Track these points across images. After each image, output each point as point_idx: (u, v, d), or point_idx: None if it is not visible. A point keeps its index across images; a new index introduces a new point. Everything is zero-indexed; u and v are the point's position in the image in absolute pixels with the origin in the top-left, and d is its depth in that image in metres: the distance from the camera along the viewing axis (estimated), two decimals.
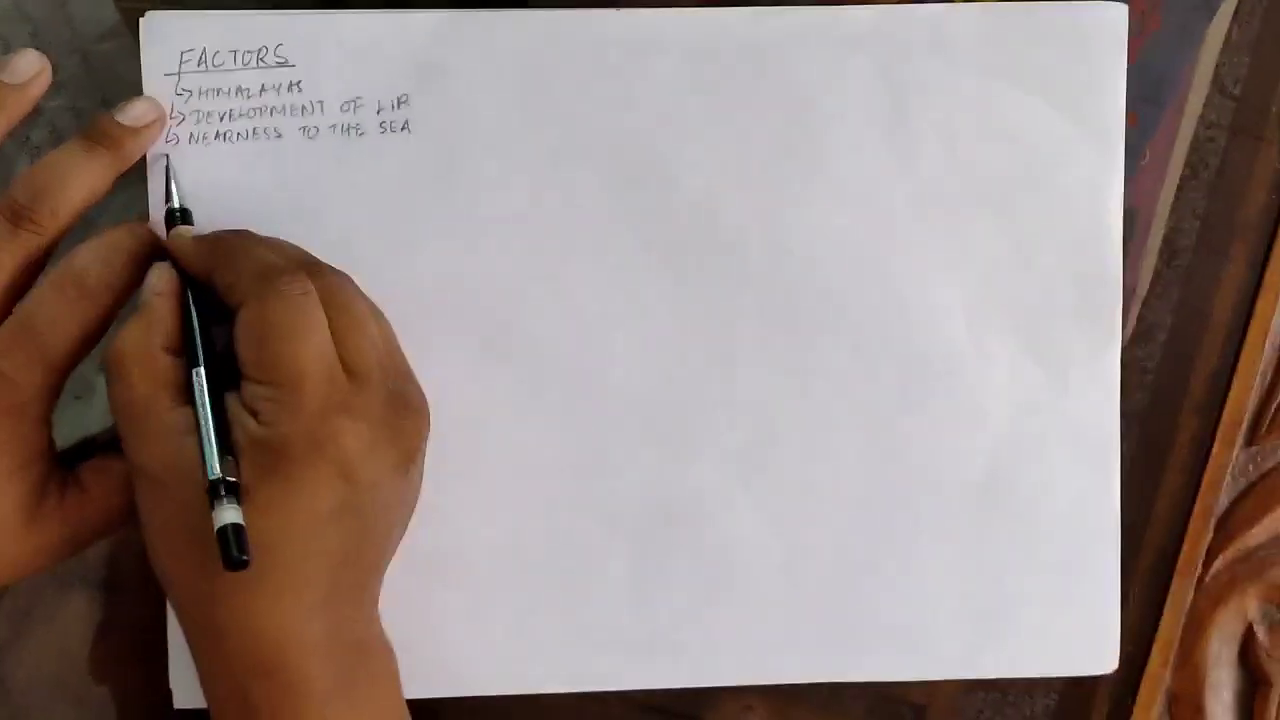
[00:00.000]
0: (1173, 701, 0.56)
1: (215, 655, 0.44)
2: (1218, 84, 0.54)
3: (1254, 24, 0.54)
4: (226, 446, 0.42)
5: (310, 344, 0.43)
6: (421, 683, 0.48)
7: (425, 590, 0.50)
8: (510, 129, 0.50)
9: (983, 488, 0.52)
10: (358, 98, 0.49)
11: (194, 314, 0.45)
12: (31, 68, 0.47)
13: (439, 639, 0.50)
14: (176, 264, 0.46)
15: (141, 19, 0.48)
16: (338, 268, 0.46)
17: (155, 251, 0.47)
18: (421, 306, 0.49)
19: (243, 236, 0.46)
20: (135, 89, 0.48)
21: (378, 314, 0.47)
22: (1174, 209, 0.54)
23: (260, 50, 0.49)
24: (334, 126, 0.49)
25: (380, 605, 0.47)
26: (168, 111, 0.48)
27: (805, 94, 0.50)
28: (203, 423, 0.43)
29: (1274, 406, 0.55)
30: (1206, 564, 0.55)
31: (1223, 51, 0.54)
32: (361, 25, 0.49)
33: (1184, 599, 0.55)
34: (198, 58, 0.48)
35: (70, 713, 0.54)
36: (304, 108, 0.49)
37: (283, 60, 0.49)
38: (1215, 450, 0.55)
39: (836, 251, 0.51)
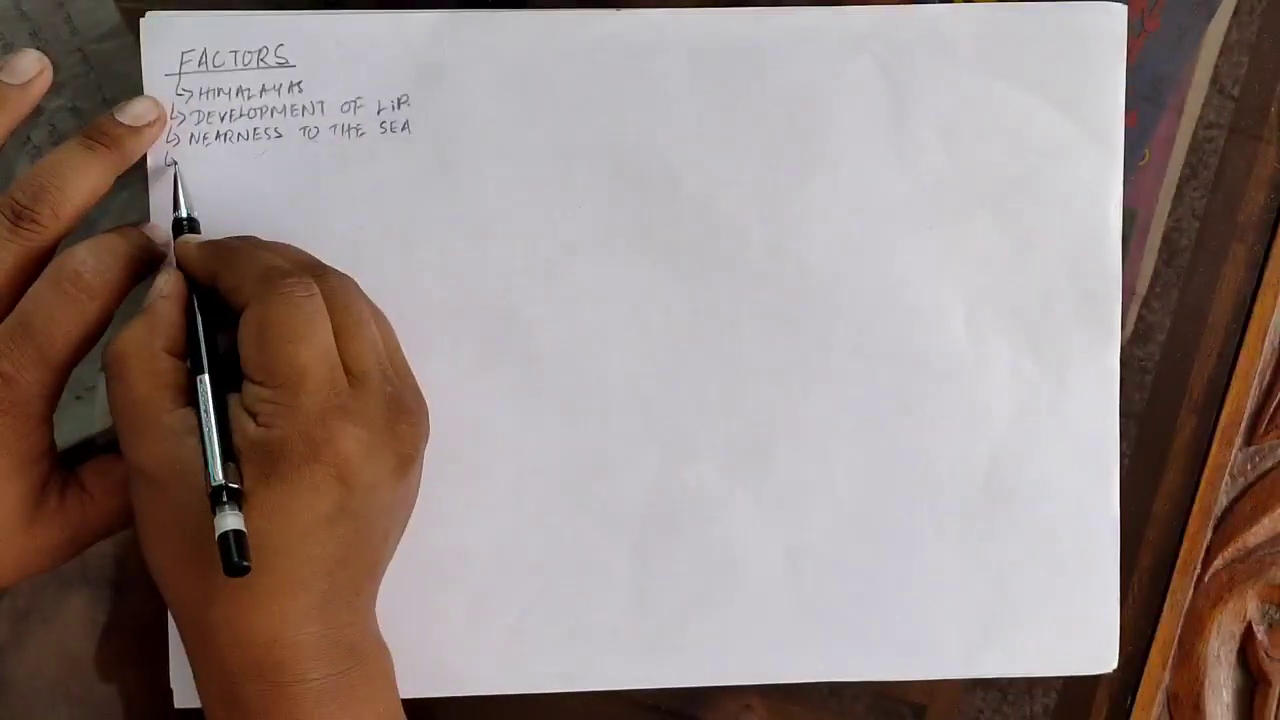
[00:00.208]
0: (1172, 701, 0.56)
1: (209, 655, 0.44)
2: (1217, 84, 0.54)
3: (1253, 24, 0.54)
4: (228, 450, 0.42)
5: (311, 346, 0.43)
6: (421, 683, 0.48)
7: (425, 590, 0.50)
8: (510, 129, 0.50)
9: (982, 487, 0.52)
10: (358, 98, 0.49)
11: (199, 320, 0.45)
12: (32, 68, 0.47)
13: (439, 639, 0.50)
14: (183, 271, 0.46)
15: (142, 19, 0.48)
16: (340, 269, 0.46)
17: (151, 252, 0.47)
18: (421, 306, 0.49)
19: (248, 241, 0.47)
20: (135, 89, 0.48)
21: (380, 316, 0.47)
22: (1173, 209, 0.54)
23: (260, 50, 0.49)
24: (334, 126, 0.49)
25: (380, 605, 0.47)
26: (168, 111, 0.48)
27: (805, 94, 0.50)
28: (206, 428, 0.43)
29: (1273, 406, 0.55)
30: (1205, 564, 0.55)
31: (1222, 52, 0.54)
32: (361, 25, 0.49)
33: (1183, 599, 0.55)
34: (198, 58, 0.48)
35: (70, 713, 0.54)
36: (304, 108, 0.49)
37: (283, 60, 0.49)
38: (1214, 450, 0.55)
39: (836, 251, 0.51)
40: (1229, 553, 0.55)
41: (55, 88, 0.48)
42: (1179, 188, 0.54)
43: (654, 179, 0.50)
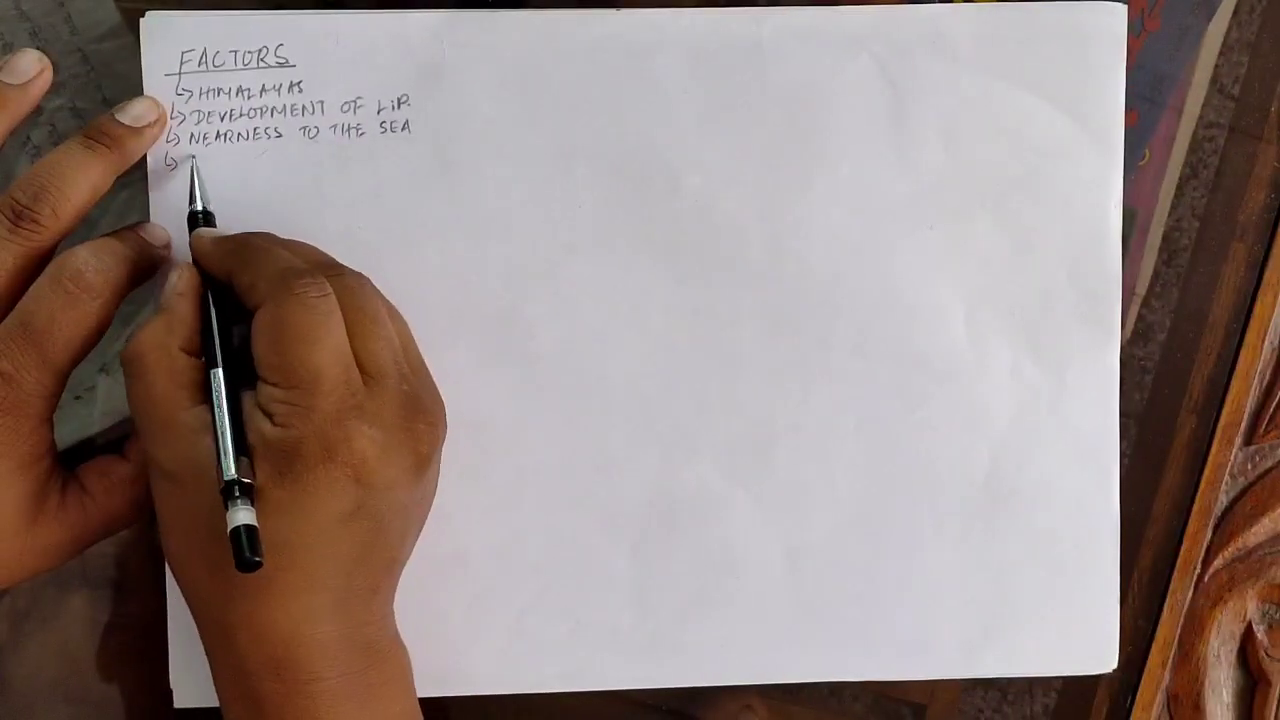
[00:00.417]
0: (1172, 701, 0.56)
1: (227, 653, 0.44)
2: (1217, 84, 0.54)
3: (1253, 24, 0.54)
4: (242, 447, 0.42)
5: (325, 347, 0.43)
6: (422, 682, 0.48)
7: (425, 590, 0.50)
8: (510, 129, 0.50)
9: (982, 487, 0.52)
10: (358, 98, 0.49)
11: (213, 315, 0.45)
12: (33, 68, 0.47)
13: (439, 639, 0.50)
14: (198, 265, 0.46)
15: (142, 19, 0.48)
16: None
17: (152, 254, 0.47)
18: (421, 306, 0.49)
19: (263, 238, 0.47)
20: (135, 89, 0.48)
21: (395, 315, 0.47)
22: (1173, 209, 0.54)
23: (260, 50, 0.49)
24: (334, 126, 0.49)
25: None
26: (168, 111, 0.48)
27: (805, 94, 0.50)
28: (219, 424, 0.43)
29: (1272, 406, 0.55)
30: (1205, 563, 0.55)
31: (1222, 52, 0.54)
32: (361, 25, 0.49)
33: (1183, 599, 0.55)
34: (198, 58, 0.48)
35: (70, 712, 0.54)
36: (304, 108, 0.49)
37: (283, 60, 0.49)
38: (1214, 450, 0.55)
39: (836, 251, 0.51)
40: (1229, 553, 0.55)
41: (55, 88, 0.48)
42: (1179, 188, 0.54)
43: (654, 179, 0.50)
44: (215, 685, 0.45)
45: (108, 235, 0.47)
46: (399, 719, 0.46)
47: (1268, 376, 0.55)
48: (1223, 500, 0.55)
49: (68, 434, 0.51)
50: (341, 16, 0.49)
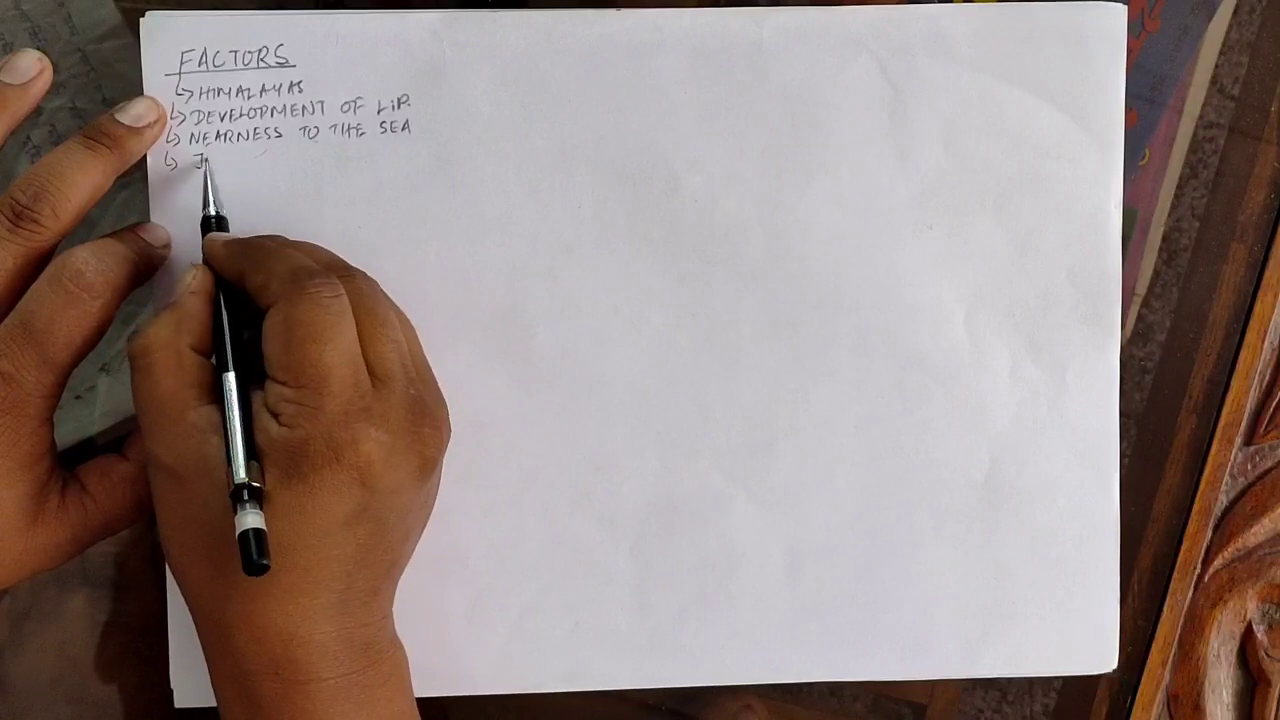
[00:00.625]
0: (1172, 701, 0.56)
1: (225, 652, 0.44)
2: (1217, 84, 0.54)
3: (1253, 24, 0.54)
4: (251, 451, 0.42)
5: (336, 348, 0.43)
6: (421, 682, 0.48)
7: (425, 590, 0.50)
8: (510, 129, 0.50)
9: (982, 487, 0.52)
10: (358, 98, 0.49)
11: (225, 317, 0.45)
12: (33, 68, 0.47)
13: (439, 639, 0.51)
14: (211, 268, 0.46)
15: (142, 19, 0.48)
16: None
17: (152, 255, 0.47)
18: (421, 306, 0.49)
19: (275, 239, 0.47)
20: (135, 89, 0.48)
21: (403, 318, 0.47)
22: (1173, 209, 0.54)
23: (260, 50, 0.49)
24: (334, 126, 0.49)
25: None
26: (168, 111, 0.48)
27: (805, 94, 0.50)
28: (229, 427, 0.43)
29: (1272, 406, 0.55)
30: (1205, 563, 0.55)
31: (1222, 52, 0.54)
32: (361, 25, 0.49)
33: (1183, 598, 0.55)
34: (198, 58, 0.48)
35: (70, 712, 0.54)
36: (304, 108, 0.49)
37: (283, 60, 0.49)
38: (1214, 450, 0.55)
39: (836, 251, 0.51)
40: (1229, 553, 0.55)
41: (55, 88, 0.48)
42: (1179, 188, 0.54)
43: (654, 179, 0.50)
44: (213, 684, 0.45)
45: (108, 235, 0.47)
46: (397, 718, 0.46)
47: (1268, 376, 0.55)
48: (1223, 500, 0.55)
49: (68, 434, 0.51)
50: (341, 16, 0.49)
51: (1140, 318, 0.54)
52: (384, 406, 0.43)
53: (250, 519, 0.41)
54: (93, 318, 0.44)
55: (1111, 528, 0.52)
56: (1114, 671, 0.53)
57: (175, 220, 0.48)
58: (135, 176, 0.49)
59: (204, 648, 0.45)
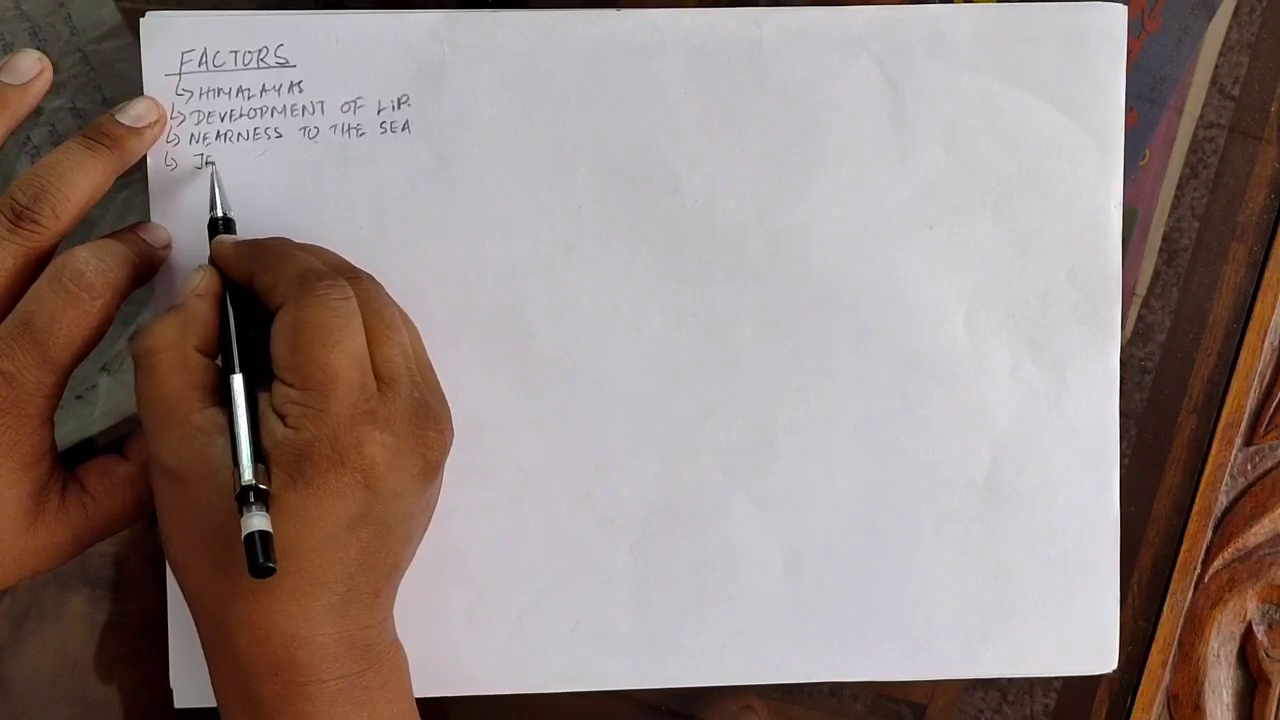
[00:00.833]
0: (1172, 701, 0.56)
1: (226, 653, 0.44)
2: (1217, 84, 0.54)
3: (1253, 24, 0.54)
4: (257, 452, 0.42)
5: (344, 350, 0.43)
6: (421, 682, 0.48)
7: (425, 590, 0.50)
8: (510, 129, 0.50)
9: (982, 487, 0.52)
10: (358, 98, 0.49)
11: (232, 320, 0.45)
12: (32, 68, 0.47)
13: (439, 639, 0.51)
14: (218, 270, 0.46)
15: (142, 19, 0.48)
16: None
17: (152, 255, 0.47)
18: (421, 306, 0.49)
19: (283, 241, 0.47)
20: (135, 89, 0.48)
21: (408, 321, 0.47)
22: (1174, 209, 0.54)
23: (260, 50, 0.49)
24: (334, 126, 0.49)
25: None
26: (168, 111, 0.48)
27: (805, 94, 0.50)
28: (237, 429, 0.43)
29: (1272, 406, 0.55)
30: (1205, 564, 0.55)
31: (1222, 52, 0.54)
32: (361, 25, 0.49)
33: (1183, 599, 0.55)
34: (198, 58, 0.48)
35: (70, 712, 0.54)
36: (304, 108, 0.49)
37: (283, 60, 0.49)
38: (1214, 450, 0.55)
39: (836, 251, 0.51)
40: (1229, 553, 0.55)
41: (55, 88, 0.48)
42: (1179, 188, 0.54)
43: (654, 179, 0.50)
44: (213, 685, 0.45)
45: (108, 235, 0.47)
46: (396, 719, 0.46)
47: (1268, 376, 0.55)
48: (1223, 500, 0.55)
49: (68, 434, 0.51)
50: (341, 16, 0.49)
51: (1140, 318, 0.54)
52: (389, 410, 0.43)
53: (257, 521, 0.41)
54: (93, 318, 0.44)
55: (1111, 528, 0.52)
56: (1114, 671, 0.53)
57: (175, 220, 0.48)
58: (135, 176, 0.49)
59: (204, 648, 0.45)
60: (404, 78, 0.49)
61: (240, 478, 0.42)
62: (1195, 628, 0.55)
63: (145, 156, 0.48)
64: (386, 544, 0.44)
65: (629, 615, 0.51)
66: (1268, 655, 0.56)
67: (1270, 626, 0.56)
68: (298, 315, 0.43)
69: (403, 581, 0.47)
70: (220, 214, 0.48)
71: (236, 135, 0.49)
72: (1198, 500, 0.55)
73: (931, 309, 0.51)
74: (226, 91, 0.49)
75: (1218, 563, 0.55)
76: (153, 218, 0.49)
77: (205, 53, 0.48)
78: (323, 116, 0.49)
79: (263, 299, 0.44)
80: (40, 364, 0.44)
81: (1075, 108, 0.51)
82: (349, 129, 0.49)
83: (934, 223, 0.51)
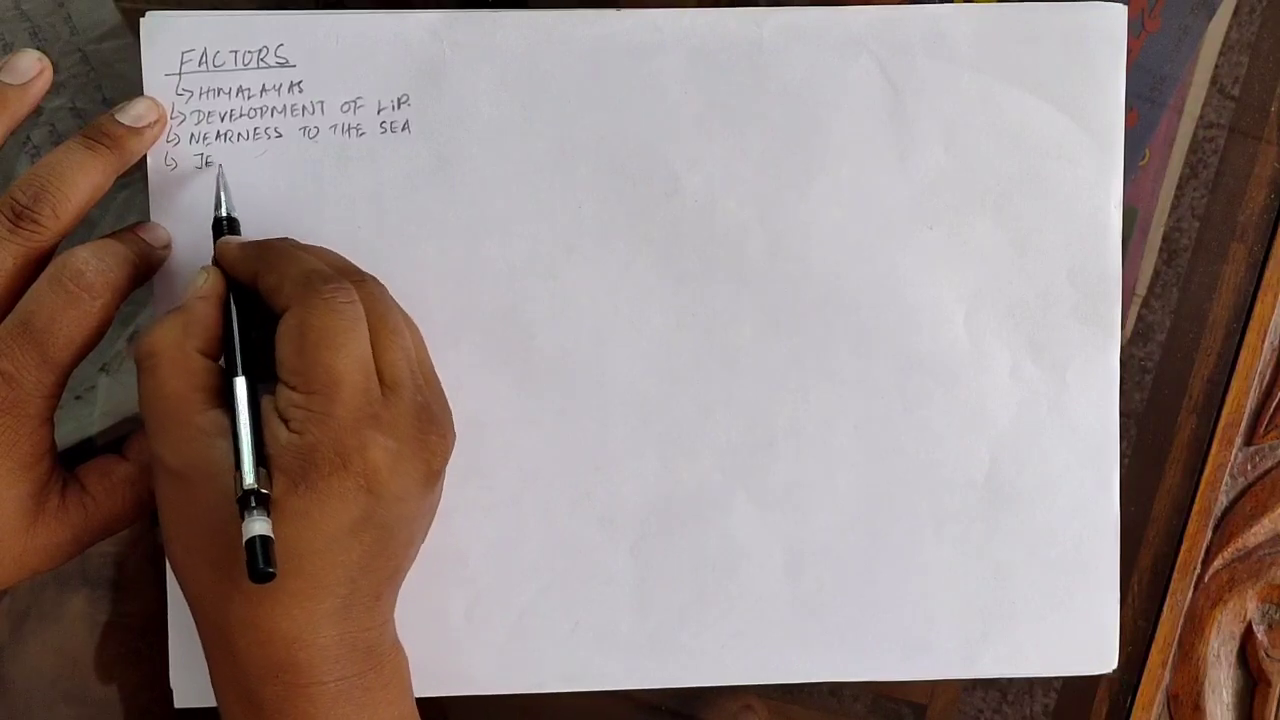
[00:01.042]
0: (1172, 701, 0.56)
1: (227, 654, 0.44)
2: (1217, 84, 0.54)
3: (1253, 24, 0.54)
4: (260, 457, 0.42)
5: (349, 353, 0.43)
6: (421, 682, 0.48)
7: (425, 590, 0.50)
8: (510, 129, 0.50)
9: (982, 487, 0.52)
10: (358, 98, 0.49)
11: (235, 322, 0.45)
12: (32, 68, 0.47)
13: (439, 639, 0.51)
14: (222, 272, 0.46)
15: (142, 19, 0.48)
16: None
17: (152, 255, 0.47)
18: (421, 306, 0.49)
19: (288, 242, 0.47)
20: (135, 89, 0.48)
21: (411, 324, 0.47)
22: (1174, 209, 0.54)
23: (260, 50, 0.49)
24: (334, 126, 0.49)
25: None
26: (168, 111, 0.48)
27: (805, 94, 0.50)
28: (239, 432, 0.42)
29: (1272, 406, 0.55)
30: (1205, 563, 0.55)
31: (1222, 52, 0.54)
32: (361, 25, 0.49)
33: (1183, 599, 0.55)
34: (198, 58, 0.48)
35: (70, 712, 0.54)
36: (304, 108, 0.49)
37: (283, 60, 0.49)
38: (1214, 450, 0.55)
39: (836, 251, 0.51)
40: (1229, 553, 0.55)
41: (55, 88, 0.48)
42: (1179, 188, 0.54)
43: (654, 179, 0.50)
44: (214, 686, 0.45)
45: (108, 235, 0.47)
46: None
47: (1268, 376, 0.55)
48: (1223, 500, 0.55)
49: (68, 434, 0.51)
50: (341, 16, 0.49)
51: (1140, 318, 0.54)
52: (392, 414, 0.43)
53: (258, 525, 0.41)
54: (93, 318, 0.44)
55: (1111, 528, 0.52)
56: (1114, 671, 0.53)
57: (175, 220, 0.49)
58: (135, 176, 0.49)
59: (205, 650, 0.45)
60: (404, 78, 0.49)
61: (241, 482, 0.42)
62: (1195, 628, 0.55)
63: (145, 156, 0.48)
64: (388, 547, 0.44)
65: (629, 615, 0.51)
66: (1268, 655, 0.56)
67: (1270, 626, 0.56)
68: (303, 318, 0.43)
69: (403, 582, 0.47)
70: (225, 214, 0.48)
71: (236, 135, 0.49)
72: (1198, 500, 0.55)
73: (931, 309, 0.51)
74: (226, 91, 0.49)
75: (1218, 563, 0.55)
76: (153, 218, 0.49)
77: (205, 53, 0.48)
78: (323, 116, 0.49)
79: (267, 301, 0.44)
80: (40, 364, 0.44)
81: (1075, 108, 0.51)
82: (349, 129, 0.49)
83: (934, 223, 0.51)
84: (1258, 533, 0.55)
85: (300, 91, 0.49)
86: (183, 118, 0.49)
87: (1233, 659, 0.56)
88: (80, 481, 0.47)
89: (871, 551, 0.51)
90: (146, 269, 0.47)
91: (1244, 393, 0.55)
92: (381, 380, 0.44)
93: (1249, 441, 0.55)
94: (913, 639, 0.52)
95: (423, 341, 0.47)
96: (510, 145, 0.50)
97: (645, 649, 0.51)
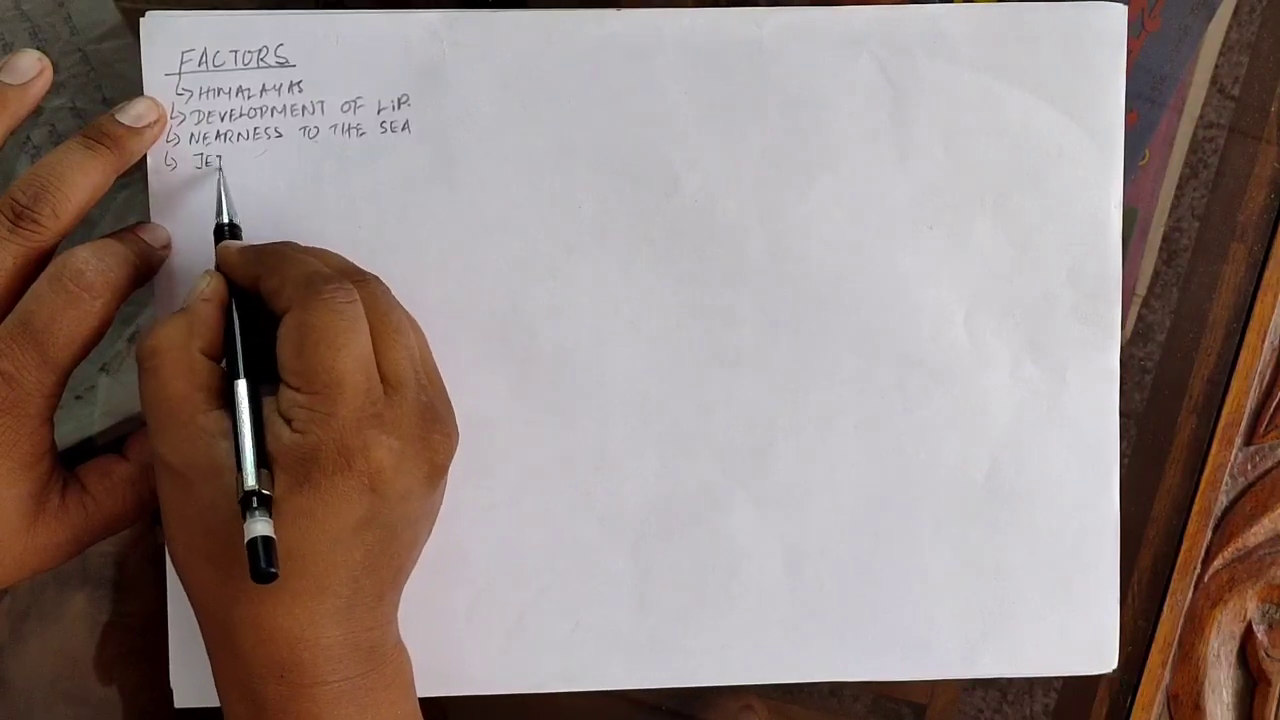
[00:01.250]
0: (1172, 701, 0.56)
1: (230, 654, 0.44)
2: (1217, 84, 0.54)
3: (1253, 24, 0.54)
4: (262, 458, 0.42)
5: (351, 354, 0.43)
6: (422, 681, 0.48)
7: (426, 590, 0.50)
8: (510, 129, 0.50)
9: (982, 487, 0.52)
10: (358, 98, 0.49)
11: (237, 325, 0.45)
12: (32, 68, 0.47)
13: (439, 639, 0.50)
14: (224, 275, 0.46)
15: (142, 19, 0.48)
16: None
17: (152, 255, 0.47)
18: (422, 306, 0.49)
19: (288, 245, 0.47)
20: (135, 89, 0.48)
21: (413, 324, 0.47)
22: (1173, 209, 0.54)
23: (260, 50, 0.49)
24: (334, 126, 0.49)
25: None
26: (168, 111, 0.48)
27: (805, 94, 0.50)
28: (240, 434, 0.43)
29: (1272, 406, 0.55)
30: (1205, 564, 0.55)
31: (1222, 52, 0.54)
32: (361, 25, 0.49)
33: (1183, 599, 0.55)
34: (198, 58, 0.48)
35: (70, 712, 0.54)
36: (304, 108, 0.49)
37: (283, 60, 0.49)
38: (1214, 450, 0.55)
39: (836, 251, 0.51)
40: (1229, 553, 0.55)
41: (55, 88, 0.48)
42: (1179, 188, 0.54)
43: (654, 179, 0.50)
44: (216, 685, 0.45)
45: (108, 235, 0.47)
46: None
47: (1268, 376, 0.55)
48: (1223, 500, 0.55)
49: (68, 434, 0.51)
50: (341, 16, 0.49)
51: (1140, 318, 0.54)
52: (395, 413, 0.43)
53: (259, 526, 0.41)
54: (93, 318, 0.44)
55: (1111, 528, 0.52)
56: (1114, 671, 0.53)
57: (175, 220, 0.49)
58: (135, 176, 0.49)
59: (208, 649, 0.45)
60: (404, 78, 0.49)
61: (243, 483, 0.42)
62: (1195, 627, 0.55)
63: (145, 156, 0.48)
64: (392, 547, 0.44)
65: (629, 615, 0.51)
66: (1268, 655, 0.56)
67: (1270, 626, 0.56)
68: (303, 319, 0.43)
69: (406, 582, 0.47)
70: (226, 219, 0.48)
71: (236, 135, 0.49)
72: (1198, 500, 0.55)
73: (931, 309, 0.51)
74: (226, 91, 0.49)
75: (1218, 562, 0.55)
76: (152, 217, 0.49)
77: (205, 52, 0.48)
78: (323, 116, 0.49)
79: (269, 304, 0.44)
80: (40, 364, 0.44)
81: (1075, 108, 0.51)
82: (349, 129, 0.49)
83: (934, 223, 0.51)
84: (1258, 533, 0.55)
85: (300, 91, 0.49)
86: (183, 118, 0.49)
87: (1233, 659, 0.56)
88: (80, 481, 0.47)
89: (871, 551, 0.52)
90: (147, 269, 0.47)
91: (1244, 393, 0.55)
92: (384, 379, 0.44)
93: (1249, 441, 0.55)
94: (913, 639, 0.52)
95: (425, 341, 0.47)
96: (510, 145, 0.50)
97: (645, 649, 0.51)
